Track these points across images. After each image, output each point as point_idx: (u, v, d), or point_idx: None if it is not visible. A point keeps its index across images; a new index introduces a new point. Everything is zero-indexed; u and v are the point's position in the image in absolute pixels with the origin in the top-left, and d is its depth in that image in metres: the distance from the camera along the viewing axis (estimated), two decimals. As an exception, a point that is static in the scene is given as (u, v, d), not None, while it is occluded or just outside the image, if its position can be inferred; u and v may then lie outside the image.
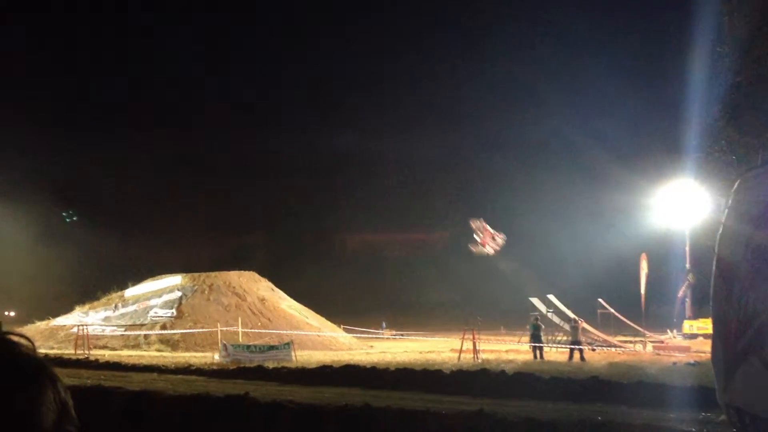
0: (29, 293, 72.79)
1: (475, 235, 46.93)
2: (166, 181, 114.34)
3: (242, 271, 55.10)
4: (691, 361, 30.96)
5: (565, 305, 47.82)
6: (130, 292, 52.86)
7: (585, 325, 41.12)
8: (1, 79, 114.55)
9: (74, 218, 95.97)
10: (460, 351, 35.30)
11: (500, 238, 47.25)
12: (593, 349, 40.17)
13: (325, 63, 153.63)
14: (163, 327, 47.02)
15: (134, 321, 48.78)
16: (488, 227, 47.17)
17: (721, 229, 3.53)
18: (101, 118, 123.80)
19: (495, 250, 47.51)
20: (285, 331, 44.41)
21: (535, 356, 36.11)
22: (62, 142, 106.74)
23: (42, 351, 1.57)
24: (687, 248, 53.52)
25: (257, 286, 53.28)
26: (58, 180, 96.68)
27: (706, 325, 47.90)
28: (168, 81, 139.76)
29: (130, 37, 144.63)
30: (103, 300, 53.30)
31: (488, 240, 46.89)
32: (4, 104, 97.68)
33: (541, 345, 37.58)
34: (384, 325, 65.43)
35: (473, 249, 47.80)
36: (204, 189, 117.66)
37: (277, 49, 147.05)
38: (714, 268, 3.46)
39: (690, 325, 52.34)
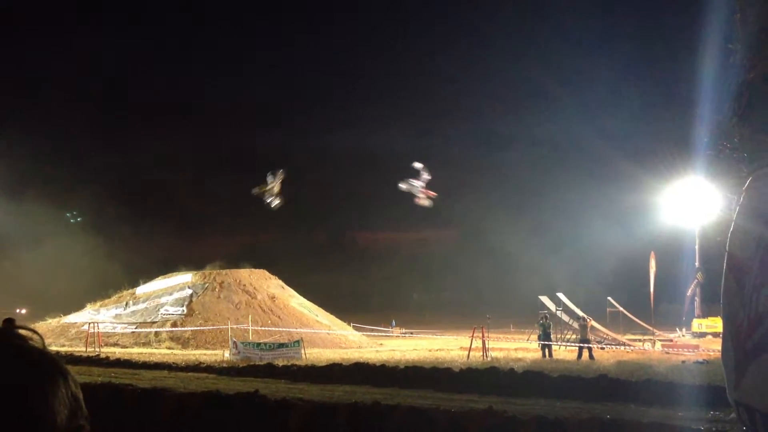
0: (41, 290, 73.07)
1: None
2: (180, 179, 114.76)
3: (253, 269, 55.11)
4: (701, 359, 30.91)
5: (574, 303, 47.75)
6: (141, 289, 52.98)
7: (594, 323, 41.06)
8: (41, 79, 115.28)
9: (78, 219, 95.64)
10: (470, 349, 35.28)
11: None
12: (602, 348, 40.12)
13: (337, 63, 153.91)
14: (174, 325, 47.14)
15: (145, 319, 48.87)
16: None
17: (732, 227, 3.50)
18: (124, 114, 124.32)
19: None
20: (295, 329, 44.46)
21: (544, 354, 36.06)
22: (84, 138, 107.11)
23: (53, 348, 1.57)
24: (697, 247, 53.38)
25: (268, 284, 53.30)
26: (79, 178, 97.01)
27: (715, 324, 47.79)
28: (189, 79, 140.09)
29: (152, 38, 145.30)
30: (114, 298, 53.43)
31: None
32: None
33: (550, 343, 37.53)
34: (394, 323, 65.40)
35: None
36: (218, 186, 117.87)
37: (298, 50, 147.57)
38: (725, 265, 3.43)
39: (699, 324, 52.21)
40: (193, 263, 57.36)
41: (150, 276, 55.38)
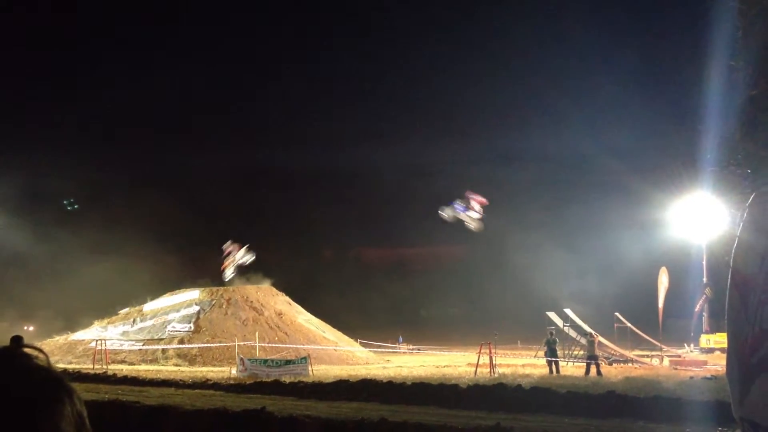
0: (49, 307, 73.07)
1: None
2: (186, 194, 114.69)
3: (260, 286, 55.18)
4: (709, 375, 30.79)
5: (581, 319, 47.60)
6: (149, 306, 53.00)
7: (601, 339, 40.94)
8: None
9: (75, 206, 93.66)
10: (477, 365, 35.19)
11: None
12: (610, 364, 39.98)
13: (341, 83, 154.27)
14: (181, 341, 47.11)
15: (152, 335, 48.87)
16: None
17: (736, 242, 3.52)
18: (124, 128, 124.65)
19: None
20: (302, 346, 44.43)
21: (551, 371, 35.93)
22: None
23: (60, 366, 1.58)
24: (704, 262, 53.14)
25: (274, 300, 53.30)
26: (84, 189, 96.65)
27: (723, 339, 47.56)
28: (193, 95, 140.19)
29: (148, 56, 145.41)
30: (122, 314, 53.46)
31: None
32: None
33: (558, 359, 37.41)
34: (401, 339, 65.32)
35: None
36: (222, 202, 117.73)
37: (298, 77, 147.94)
38: (729, 281, 3.45)
39: (707, 339, 52.00)
40: (201, 279, 57.46)
41: (157, 293, 55.44)
